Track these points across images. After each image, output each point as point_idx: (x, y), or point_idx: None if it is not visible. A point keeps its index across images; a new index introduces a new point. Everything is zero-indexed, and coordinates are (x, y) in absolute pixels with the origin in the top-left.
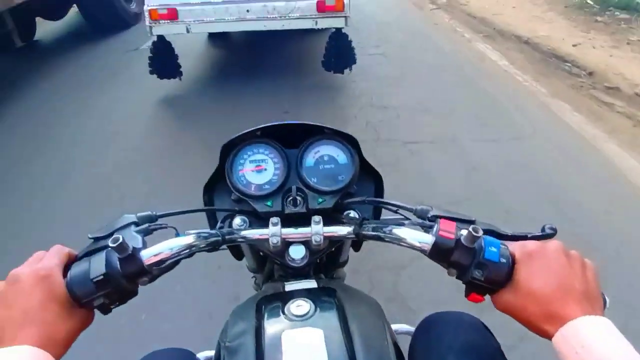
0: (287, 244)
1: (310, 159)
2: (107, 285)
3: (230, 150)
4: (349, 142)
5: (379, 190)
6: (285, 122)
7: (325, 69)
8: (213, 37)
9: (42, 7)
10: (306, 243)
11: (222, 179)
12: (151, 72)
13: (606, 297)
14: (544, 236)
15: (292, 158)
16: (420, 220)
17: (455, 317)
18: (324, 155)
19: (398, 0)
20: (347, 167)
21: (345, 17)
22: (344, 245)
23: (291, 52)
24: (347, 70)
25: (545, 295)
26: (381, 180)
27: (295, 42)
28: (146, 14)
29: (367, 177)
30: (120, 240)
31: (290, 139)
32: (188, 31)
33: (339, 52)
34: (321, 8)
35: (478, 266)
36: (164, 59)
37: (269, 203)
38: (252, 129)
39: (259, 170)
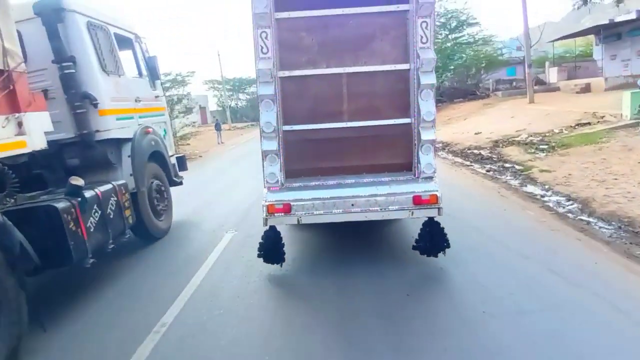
0: None
1: None
2: None
3: None
4: None
5: None
6: None
7: (420, 252)
8: None
9: None
10: None
11: None
12: (259, 256)
13: None
14: None
15: None
16: None
17: None
18: None
19: None
20: None
21: (438, 208)
22: None
23: (375, 230)
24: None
25: None
26: None
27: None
28: (264, 208)
29: None
30: None
31: None
32: (299, 222)
33: (433, 238)
34: (417, 201)
35: None
36: (272, 247)
37: None
38: None
39: None
